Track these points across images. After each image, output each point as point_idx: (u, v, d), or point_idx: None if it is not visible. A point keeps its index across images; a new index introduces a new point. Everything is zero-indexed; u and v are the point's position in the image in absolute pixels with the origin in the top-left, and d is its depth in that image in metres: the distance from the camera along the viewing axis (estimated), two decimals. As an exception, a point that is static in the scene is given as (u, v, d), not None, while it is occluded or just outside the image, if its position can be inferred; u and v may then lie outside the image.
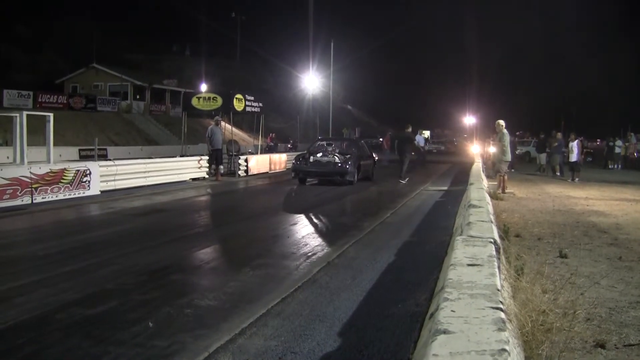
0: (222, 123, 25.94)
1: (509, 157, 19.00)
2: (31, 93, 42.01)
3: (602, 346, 4.88)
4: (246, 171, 25.52)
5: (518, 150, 36.08)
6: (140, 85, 56.30)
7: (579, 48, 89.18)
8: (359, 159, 22.22)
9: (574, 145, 24.77)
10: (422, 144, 34.76)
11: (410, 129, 25.68)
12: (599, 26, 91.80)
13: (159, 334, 5.46)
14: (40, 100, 42.59)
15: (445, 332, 2.80)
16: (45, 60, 56.01)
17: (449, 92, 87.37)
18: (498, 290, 3.56)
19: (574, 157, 24.69)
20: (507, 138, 18.80)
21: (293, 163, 23.03)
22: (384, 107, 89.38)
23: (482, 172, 19.06)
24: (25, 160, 15.58)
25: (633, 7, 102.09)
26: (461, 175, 25.26)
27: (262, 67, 74.86)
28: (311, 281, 7.48)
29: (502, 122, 18.79)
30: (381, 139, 36.77)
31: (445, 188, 21.07)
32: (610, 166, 36.48)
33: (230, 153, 26.15)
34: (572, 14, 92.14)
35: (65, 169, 15.66)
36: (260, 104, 29.87)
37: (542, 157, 31.03)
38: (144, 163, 20.37)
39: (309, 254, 9.29)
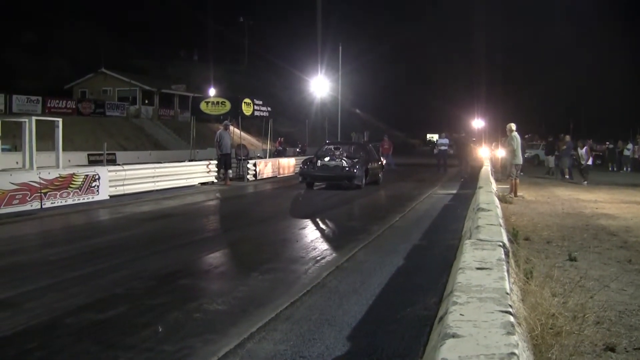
0: (231, 127, 25.97)
1: (519, 160, 18.93)
2: (40, 98, 42.20)
3: (612, 349, 4.86)
4: (255, 175, 25.52)
5: (527, 154, 35.95)
6: (149, 90, 56.45)
7: (587, 49, 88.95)
8: (367, 162, 22.15)
9: (584, 152, 24.73)
10: (445, 147, 34.68)
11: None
12: (608, 27, 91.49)
13: (168, 339, 5.47)
14: (49, 105, 42.78)
15: (454, 335, 2.80)
16: (54, 66, 56.24)
17: (457, 96, 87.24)
18: (507, 293, 3.55)
19: (586, 162, 24.67)
20: (518, 141, 18.74)
21: (300, 167, 23.01)
22: (392, 110, 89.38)
23: (491, 175, 19.01)
24: (35, 166, 15.63)
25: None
26: (470, 178, 25.23)
27: (270, 71, 75.01)
28: (320, 285, 7.48)
29: (513, 125, 18.76)
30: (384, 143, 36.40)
31: (454, 191, 21.02)
32: (610, 168, 36.52)
33: (239, 157, 26.16)
34: (580, 15, 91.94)
35: (74, 174, 15.71)
36: (269, 108, 29.90)
37: (551, 160, 30.98)
38: (153, 168, 20.40)
39: (318, 258, 9.29)
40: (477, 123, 65.71)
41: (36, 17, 58.81)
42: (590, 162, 24.61)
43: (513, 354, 2.57)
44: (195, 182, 22.16)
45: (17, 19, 56.77)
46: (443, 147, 34.21)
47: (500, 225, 6.81)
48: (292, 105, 61.56)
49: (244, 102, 26.99)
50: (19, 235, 11.81)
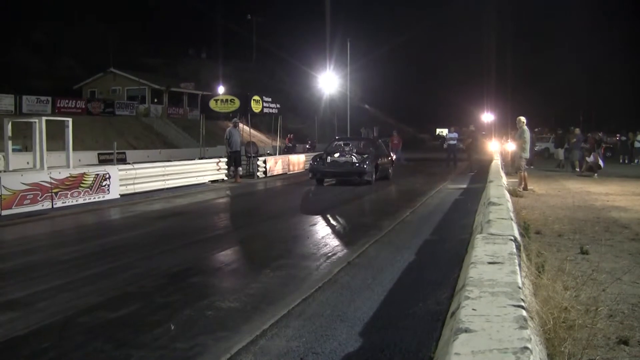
0: (240, 125, 25.99)
1: (527, 154, 18.86)
2: (50, 99, 42.41)
3: (625, 342, 4.84)
4: (265, 172, 25.59)
5: (537, 147, 35.83)
6: (158, 89, 56.60)
7: (597, 40, 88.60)
8: (377, 158, 22.15)
9: (592, 159, 24.62)
10: (454, 142, 34.62)
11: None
12: (617, 19, 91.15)
13: (180, 337, 5.48)
14: (58, 105, 43.00)
15: (466, 330, 2.79)
16: (63, 66, 56.51)
17: (467, 90, 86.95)
18: (519, 287, 3.54)
19: (601, 162, 24.55)
20: (528, 135, 18.69)
21: (310, 164, 23.03)
22: (402, 105, 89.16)
23: (501, 169, 18.97)
24: (45, 166, 15.69)
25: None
26: (480, 172, 25.18)
27: (279, 68, 75.01)
28: (332, 281, 7.47)
29: (522, 118, 18.70)
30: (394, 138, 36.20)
31: (464, 186, 20.99)
32: (621, 160, 36.40)
33: (249, 155, 26.21)
34: (590, 7, 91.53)
35: (84, 173, 15.76)
36: (278, 105, 29.90)
37: (560, 153, 30.90)
38: (163, 166, 20.45)
39: (329, 254, 9.29)
40: (487, 117, 65.67)
41: (45, 17, 59.03)
42: (602, 163, 24.46)
43: (526, 348, 2.57)
44: (206, 179, 22.20)
45: (27, 19, 57.02)
46: (452, 142, 34.18)
47: (511, 219, 6.80)
48: (301, 101, 61.55)
49: (253, 100, 27.01)
50: (31, 235, 11.87)
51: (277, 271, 8.13)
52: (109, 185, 16.42)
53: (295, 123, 59.02)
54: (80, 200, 15.42)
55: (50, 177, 14.57)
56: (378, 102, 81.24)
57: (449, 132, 36.71)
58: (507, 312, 3.04)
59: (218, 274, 8.34)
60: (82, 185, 15.50)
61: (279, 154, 30.69)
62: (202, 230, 12.28)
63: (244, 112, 27.09)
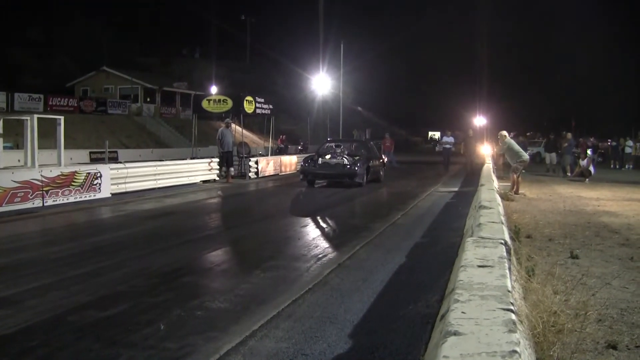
0: (233, 125, 25.95)
1: (525, 157, 18.84)
2: (42, 96, 42.34)
3: (614, 347, 4.86)
4: (256, 173, 25.54)
5: (529, 151, 35.92)
6: (151, 88, 56.55)
7: (589, 46, 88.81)
8: (368, 160, 22.12)
9: (585, 163, 24.73)
10: (449, 146, 34.66)
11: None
12: (609, 23, 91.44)
13: (170, 336, 5.47)
14: (51, 103, 42.92)
15: (455, 333, 2.80)
16: (56, 64, 56.39)
17: (459, 93, 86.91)
18: (509, 291, 3.55)
19: (592, 168, 24.68)
20: (513, 144, 18.76)
21: (301, 165, 23.01)
22: (395, 108, 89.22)
23: (492, 173, 19.00)
24: (37, 163, 15.66)
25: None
26: (472, 176, 25.20)
27: (272, 69, 74.97)
28: (322, 283, 7.48)
29: (503, 132, 18.89)
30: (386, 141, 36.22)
31: (456, 189, 21.01)
32: (612, 166, 36.51)
33: (241, 155, 26.18)
34: (582, 12, 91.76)
35: (76, 171, 15.71)
36: (271, 106, 29.85)
37: (552, 157, 30.94)
38: (155, 166, 20.39)
39: (320, 255, 9.29)
40: (479, 120, 65.68)
41: (39, 14, 58.94)
42: (593, 170, 24.58)
43: (514, 351, 2.57)
44: (197, 179, 22.16)
45: (21, 17, 56.92)
46: (447, 146, 34.25)
47: (502, 223, 6.80)
48: (294, 102, 61.47)
49: (246, 100, 26.96)
50: (21, 233, 11.83)
51: (267, 272, 8.13)
52: (100, 184, 16.37)
53: (288, 124, 59.03)
54: (71, 199, 15.37)
55: (42, 175, 14.52)
56: (371, 104, 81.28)
57: (446, 136, 36.72)
58: (496, 315, 3.04)
59: (209, 274, 8.33)
60: (73, 183, 15.45)
61: (271, 154, 30.65)
62: (193, 230, 12.27)
63: (237, 113, 27.04)
